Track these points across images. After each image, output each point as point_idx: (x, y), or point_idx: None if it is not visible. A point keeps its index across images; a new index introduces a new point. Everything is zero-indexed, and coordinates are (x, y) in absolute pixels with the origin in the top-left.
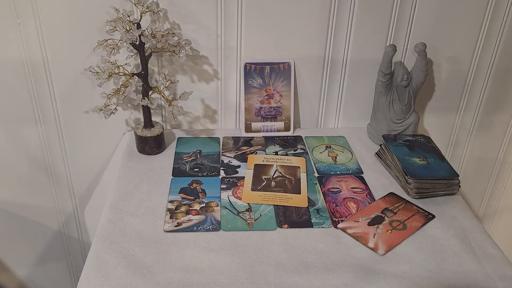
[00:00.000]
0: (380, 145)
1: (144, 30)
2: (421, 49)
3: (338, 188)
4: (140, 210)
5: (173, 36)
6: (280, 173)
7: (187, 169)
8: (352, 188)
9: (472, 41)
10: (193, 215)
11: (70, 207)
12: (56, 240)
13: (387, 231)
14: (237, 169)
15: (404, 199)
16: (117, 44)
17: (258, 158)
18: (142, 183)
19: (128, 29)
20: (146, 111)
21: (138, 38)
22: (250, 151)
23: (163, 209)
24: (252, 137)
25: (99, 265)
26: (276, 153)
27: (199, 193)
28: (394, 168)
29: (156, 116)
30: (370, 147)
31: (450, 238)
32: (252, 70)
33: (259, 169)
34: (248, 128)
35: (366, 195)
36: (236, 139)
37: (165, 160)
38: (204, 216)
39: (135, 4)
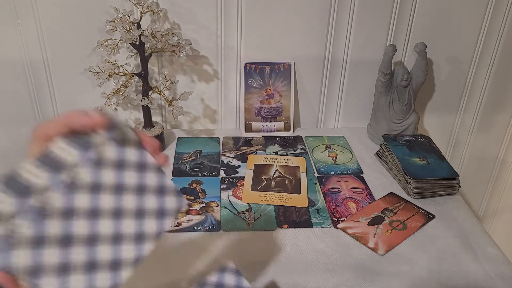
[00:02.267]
0: (380, 145)
1: (144, 30)
2: (421, 49)
3: (338, 188)
4: None
5: (173, 36)
6: (280, 173)
7: (187, 169)
8: (352, 188)
9: (472, 41)
10: (193, 215)
11: None
12: None
13: (387, 231)
14: (237, 169)
15: (404, 199)
16: (117, 44)
17: (258, 158)
18: None
19: (128, 29)
20: (146, 111)
21: (138, 38)
22: (250, 151)
23: None
24: (252, 137)
25: None
26: (276, 153)
27: (199, 193)
28: (394, 168)
29: (156, 116)
30: (370, 147)
31: (450, 238)
32: (252, 70)
33: (259, 169)
34: (248, 128)
35: (366, 195)
36: (236, 139)
37: None
38: (204, 216)
39: (135, 4)
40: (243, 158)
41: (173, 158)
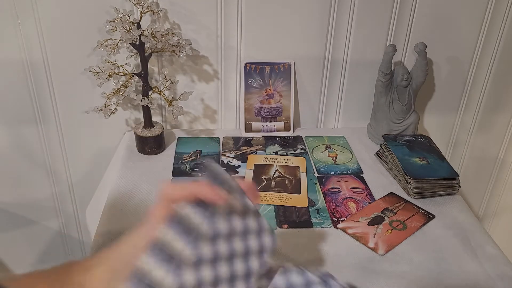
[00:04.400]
0: (380, 145)
1: (144, 30)
2: (421, 49)
3: (338, 188)
4: (140, 210)
5: (173, 36)
6: (280, 173)
7: (187, 169)
8: (352, 188)
9: (472, 41)
10: None
11: (70, 207)
12: (56, 240)
13: (387, 231)
14: (237, 169)
15: (404, 199)
16: (117, 44)
17: (258, 158)
18: (142, 183)
19: (128, 29)
20: (146, 111)
21: (138, 38)
22: (250, 151)
23: None
24: (252, 137)
25: None
26: (276, 153)
27: None
28: (394, 168)
29: (156, 116)
30: (370, 147)
31: (450, 238)
32: (252, 70)
33: (259, 169)
34: (248, 128)
35: (366, 195)
36: (236, 139)
37: (165, 160)
38: None
39: (135, 4)
40: (243, 158)
41: (173, 158)
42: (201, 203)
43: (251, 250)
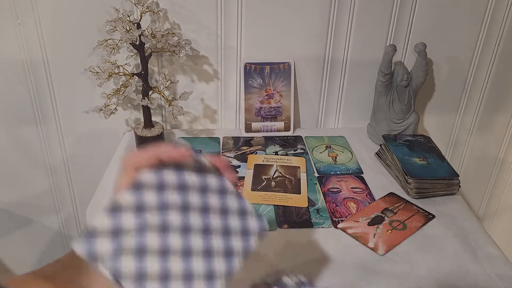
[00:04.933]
0: (380, 145)
1: (144, 30)
2: (421, 49)
3: (338, 188)
4: None
5: (173, 36)
6: (280, 173)
7: None
8: (352, 188)
9: (472, 41)
10: None
11: (70, 207)
12: (56, 240)
13: (387, 231)
14: (237, 169)
15: (404, 199)
16: (117, 44)
17: (258, 158)
18: None
19: (128, 29)
20: (146, 111)
21: (138, 38)
22: (250, 151)
23: None
24: (252, 137)
25: None
26: (276, 153)
27: None
28: (394, 168)
29: (156, 116)
30: (370, 147)
31: (450, 238)
32: (252, 70)
33: (259, 169)
34: (248, 128)
35: (366, 195)
36: (236, 139)
37: None
38: None
39: (135, 4)
40: (243, 158)
41: None
42: (165, 165)
43: (231, 229)
